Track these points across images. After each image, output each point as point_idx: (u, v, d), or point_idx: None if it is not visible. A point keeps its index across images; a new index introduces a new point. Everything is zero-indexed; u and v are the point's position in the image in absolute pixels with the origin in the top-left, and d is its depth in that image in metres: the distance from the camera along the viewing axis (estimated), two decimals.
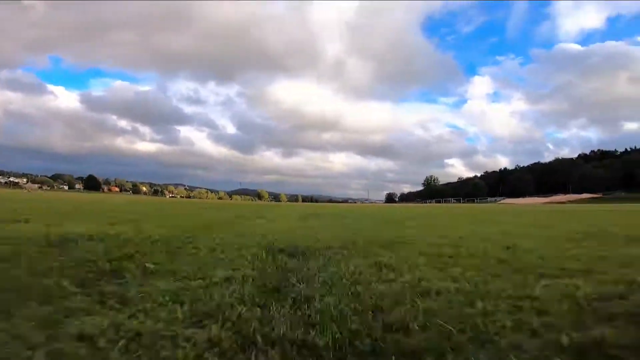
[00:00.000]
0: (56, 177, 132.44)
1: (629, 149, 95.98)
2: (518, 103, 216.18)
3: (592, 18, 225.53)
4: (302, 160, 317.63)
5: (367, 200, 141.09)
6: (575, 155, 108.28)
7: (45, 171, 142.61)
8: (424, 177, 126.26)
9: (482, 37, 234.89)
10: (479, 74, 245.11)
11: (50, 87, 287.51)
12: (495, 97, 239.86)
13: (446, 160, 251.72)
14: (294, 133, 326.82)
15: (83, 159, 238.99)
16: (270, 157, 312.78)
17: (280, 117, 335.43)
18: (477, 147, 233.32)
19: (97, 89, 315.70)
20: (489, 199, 67.49)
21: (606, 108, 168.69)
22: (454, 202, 65.06)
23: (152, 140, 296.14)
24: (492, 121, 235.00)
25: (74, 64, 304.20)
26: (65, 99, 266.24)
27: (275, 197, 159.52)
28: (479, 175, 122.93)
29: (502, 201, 55.23)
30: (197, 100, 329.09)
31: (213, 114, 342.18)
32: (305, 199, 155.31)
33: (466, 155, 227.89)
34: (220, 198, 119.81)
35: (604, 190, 59.34)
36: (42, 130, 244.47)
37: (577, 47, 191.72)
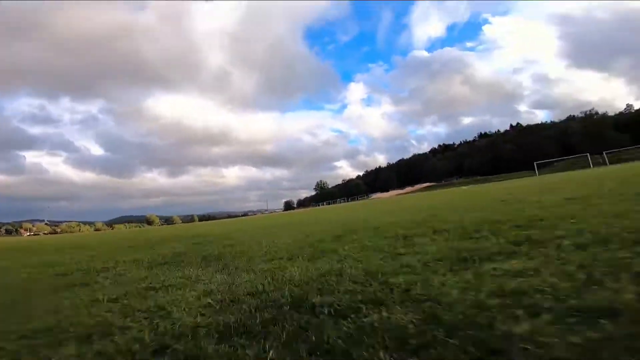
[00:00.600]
0: None
1: (462, 142, 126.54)
2: (386, 106, 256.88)
3: (436, 27, 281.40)
4: (192, 178, 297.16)
5: (266, 210, 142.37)
6: (428, 150, 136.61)
7: None
8: (316, 181, 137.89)
9: (356, 46, 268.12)
10: (354, 81, 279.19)
11: None
12: (368, 101, 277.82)
13: (334, 163, 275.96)
14: (180, 150, 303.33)
15: None
16: (154, 178, 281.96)
17: (162, 134, 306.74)
18: (359, 148, 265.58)
19: None
20: (365, 196, 79.94)
21: (448, 106, 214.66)
22: (342, 202, 74.18)
23: None
24: (368, 123, 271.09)
25: None
26: None
27: (167, 220, 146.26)
28: (360, 174, 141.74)
29: (373, 196, 66.80)
30: (45, 119, 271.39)
31: (69, 134, 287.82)
32: (203, 218, 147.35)
33: (351, 156, 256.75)
34: (97, 229, 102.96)
35: (444, 179, 78.76)
36: None
37: (425, 53, 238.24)
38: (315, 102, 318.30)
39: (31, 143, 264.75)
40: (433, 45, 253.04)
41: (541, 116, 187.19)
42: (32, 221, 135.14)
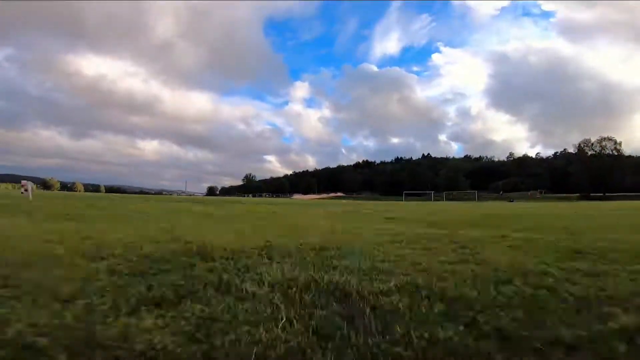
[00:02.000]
0: None
1: (386, 161, 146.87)
2: (325, 110, 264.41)
3: (393, 46, 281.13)
4: (100, 144, 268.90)
5: (183, 192, 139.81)
6: (352, 163, 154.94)
7: None
8: (244, 171, 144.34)
9: (313, 46, 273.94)
10: (301, 80, 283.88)
11: None
12: (310, 102, 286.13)
13: (264, 156, 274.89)
14: (90, 111, 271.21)
15: None
16: (50, 137, 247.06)
17: (73, 92, 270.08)
18: (291, 146, 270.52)
19: None
20: (288, 195, 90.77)
21: (381, 122, 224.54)
22: (266, 197, 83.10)
23: None
24: (305, 124, 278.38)
25: None
26: None
27: (68, 187, 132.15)
28: (289, 173, 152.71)
29: (293, 196, 77.96)
30: None
31: None
32: (111, 190, 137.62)
33: (282, 152, 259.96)
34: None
35: (356, 191, 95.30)
36: None
37: (374, 68, 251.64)
38: (257, 92, 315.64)
39: None
40: (384, 62, 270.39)
41: (455, 149, 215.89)
42: None
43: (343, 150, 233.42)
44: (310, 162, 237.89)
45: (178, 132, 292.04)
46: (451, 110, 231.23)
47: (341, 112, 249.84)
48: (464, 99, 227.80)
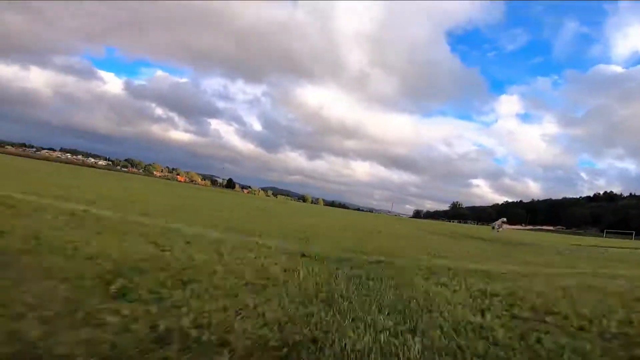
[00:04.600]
0: (93, 156, 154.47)
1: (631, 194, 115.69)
2: (549, 126, 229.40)
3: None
4: (325, 165, 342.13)
5: (390, 212, 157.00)
6: (598, 190, 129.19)
7: (86, 149, 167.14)
8: (448, 195, 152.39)
9: (518, 54, 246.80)
10: (506, 93, 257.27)
11: (102, 73, 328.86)
12: (525, 117, 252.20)
13: (471, 180, 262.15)
14: (318, 137, 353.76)
15: (121, 141, 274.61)
16: (294, 158, 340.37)
17: (304, 120, 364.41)
18: (505, 169, 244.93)
19: (141, 77, 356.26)
20: (495, 225, 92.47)
21: None
22: (470, 224, 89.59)
23: (186, 131, 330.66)
24: (522, 143, 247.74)
25: (124, 54, 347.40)
26: (111, 85, 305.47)
27: (301, 198, 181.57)
28: (500, 202, 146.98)
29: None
30: (226, 96, 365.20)
31: (241, 110, 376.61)
32: (331, 205, 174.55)
33: (493, 176, 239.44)
34: (268, 195, 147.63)
35: (577, 226, 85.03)
36: (87, 112, 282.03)
37: (619, 69, 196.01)
38: (457, 111, 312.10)
39: (215, 113, 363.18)
40: (631, 60, 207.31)
41: None
42: (203, 176, 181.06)
43: (583, 174, 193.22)
44: (533, 189, 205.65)
45: (383, 154, 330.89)
46: None
47: (574, 127, 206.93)
48: None
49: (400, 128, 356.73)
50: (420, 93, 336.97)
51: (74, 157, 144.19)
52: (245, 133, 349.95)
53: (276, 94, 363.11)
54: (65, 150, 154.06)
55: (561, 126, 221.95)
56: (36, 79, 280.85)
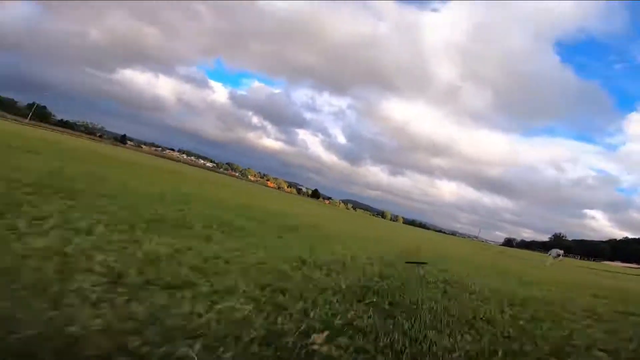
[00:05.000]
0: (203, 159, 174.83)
1: None
2: None
3: None
4: (408, 182, 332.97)
5: (476, 237, 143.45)
6: None
7: (195, 151, 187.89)
8: (552, 225, 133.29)
9: None
10: (638, 110, 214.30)
11: (212, 83, 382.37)
12: None
13: (585, 210, 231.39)
14: (403, 152, 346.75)
15: (222, 145, 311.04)
16: (375, 173, 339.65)
17: (389, 134, 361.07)
18: (633, 200, 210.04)
19: (242, 88, 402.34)
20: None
21: None
22: (572, 258, 78.87)
23: (277, 139, 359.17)
24: None
25: (229, 65, 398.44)
26: (219, 94, 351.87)
27: (380, 214, 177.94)
28: (621, 237, 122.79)
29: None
30: (313, 108, 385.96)
31: (327, 122, 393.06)
32: (411, 224, 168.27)
33: (614, 207, 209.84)
34: (348, 208, 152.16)
35: None
36: (200, 117, 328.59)
37: None
38: (570, 130, 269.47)
39: (303, 124, 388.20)
40: None
41: None
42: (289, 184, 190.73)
43: None
44: None
45: (474, 174, 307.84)
46: None
47: None
48: None
49: (495, 147, 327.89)
50: (519, 108, 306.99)
51: (189, 158, 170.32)
52: (330, 144, 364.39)
53: (361, 106, 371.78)
54: (182, 151, 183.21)
55: None
56: (164, 86, 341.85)
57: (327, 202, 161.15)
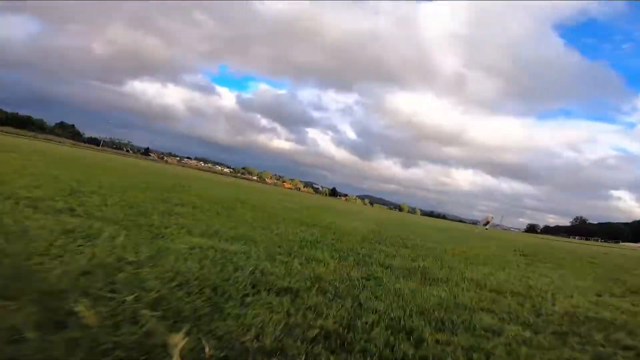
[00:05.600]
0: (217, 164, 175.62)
1: None
2: None
3: None
4: (422, 173, 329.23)
5: (498, 226, 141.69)
6: None
7: (210, 157, 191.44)
8: (578, 209, 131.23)
9: None
10: None
11: (219, 88, 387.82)
12: None
13: (611, 192, 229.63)
14: (413, 143, 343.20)
15: (236, 150, 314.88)
16: (388, 166, 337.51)
17: (398, 127, 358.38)
18: None
19: (249, 91, 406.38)
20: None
21: None
22: (594, 241, 78.87)
23: (287, 139, 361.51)
24: None
25: (234, 70, 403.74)
26: (226, 99, 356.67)
27: (398, 208, 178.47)
28: None
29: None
30: (320, 106, 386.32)
31: (335, 119, 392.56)
32: (430, 215, 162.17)
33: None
34: (365, 204, 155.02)
35: None
36: (210, 124, 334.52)
37: None
38: (585, 111, 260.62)
39: (311, 122, 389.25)
40: None
41: None
42: (305, 184, 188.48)
43: None
44: None
45: (488, 162, 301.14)
46: None
47: None
48: None
49: (508, 132, 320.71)
50: (531, 93, 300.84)
51: (206, 165, 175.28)
52: (340, 141, 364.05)
53: (368, 101, 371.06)
54: (198, 158, 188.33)
55: None
56: (172, 95, 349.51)
57: (344, 199, 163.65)
